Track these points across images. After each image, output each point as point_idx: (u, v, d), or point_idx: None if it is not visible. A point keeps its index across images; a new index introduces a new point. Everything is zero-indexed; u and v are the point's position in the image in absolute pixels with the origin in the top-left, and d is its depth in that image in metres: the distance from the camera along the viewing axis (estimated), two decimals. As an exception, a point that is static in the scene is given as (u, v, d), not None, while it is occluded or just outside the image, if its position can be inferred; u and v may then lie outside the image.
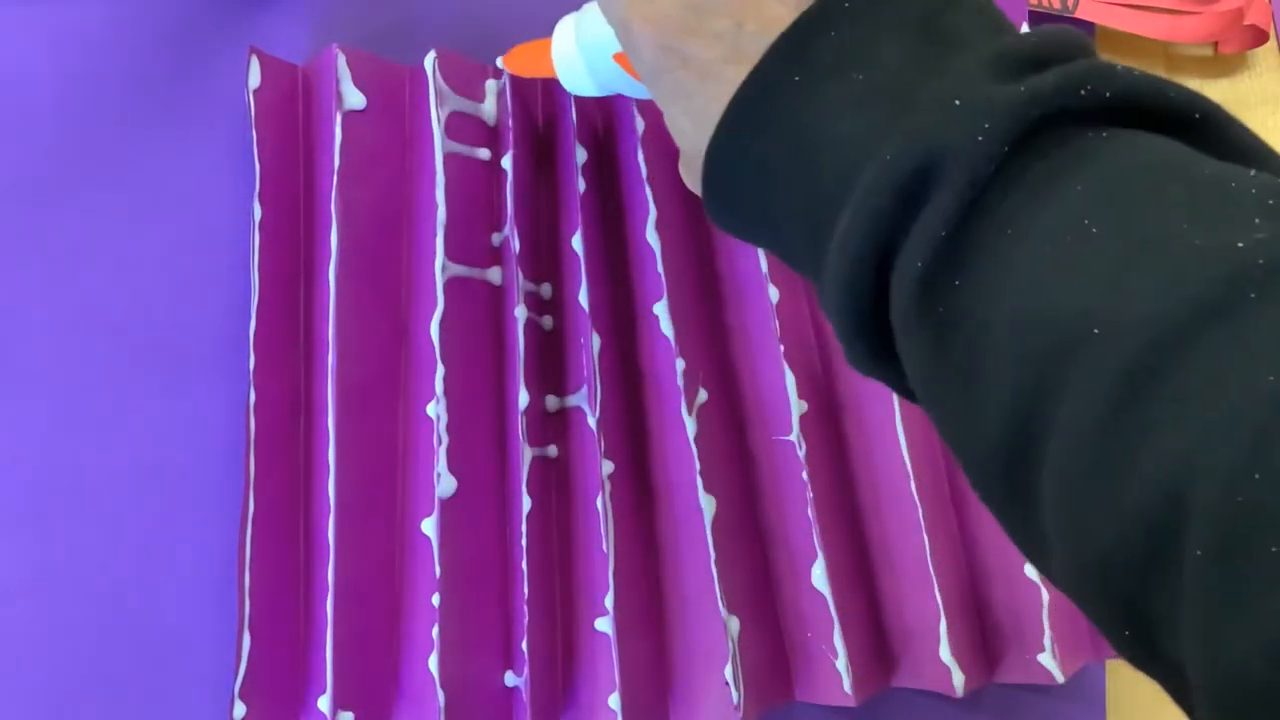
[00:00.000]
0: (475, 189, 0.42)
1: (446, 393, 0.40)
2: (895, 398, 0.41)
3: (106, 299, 0.42)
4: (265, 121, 0.42)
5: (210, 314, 0.42)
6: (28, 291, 0.42)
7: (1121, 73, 0.23)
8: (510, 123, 0.42)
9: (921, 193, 0.23)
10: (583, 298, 0.41)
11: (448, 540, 0.39)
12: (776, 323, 0.42)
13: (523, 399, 0.40)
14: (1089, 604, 0.21)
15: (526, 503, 0.40)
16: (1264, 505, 0.17)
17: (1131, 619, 0.20)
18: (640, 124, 0.42)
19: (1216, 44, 0.56)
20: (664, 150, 0.42)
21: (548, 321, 0.43)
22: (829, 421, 0.43)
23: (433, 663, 0.38)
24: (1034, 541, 0.23)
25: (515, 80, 0.42)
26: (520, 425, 0.40)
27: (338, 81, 0.42)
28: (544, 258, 0.43)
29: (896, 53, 0.24)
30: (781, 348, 0.41)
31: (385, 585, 0.40)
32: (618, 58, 0.34)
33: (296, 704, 0.40)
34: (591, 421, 0.41)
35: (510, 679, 0.40)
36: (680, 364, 0.41)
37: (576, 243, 0.42)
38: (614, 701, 0.39)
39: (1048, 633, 0.41)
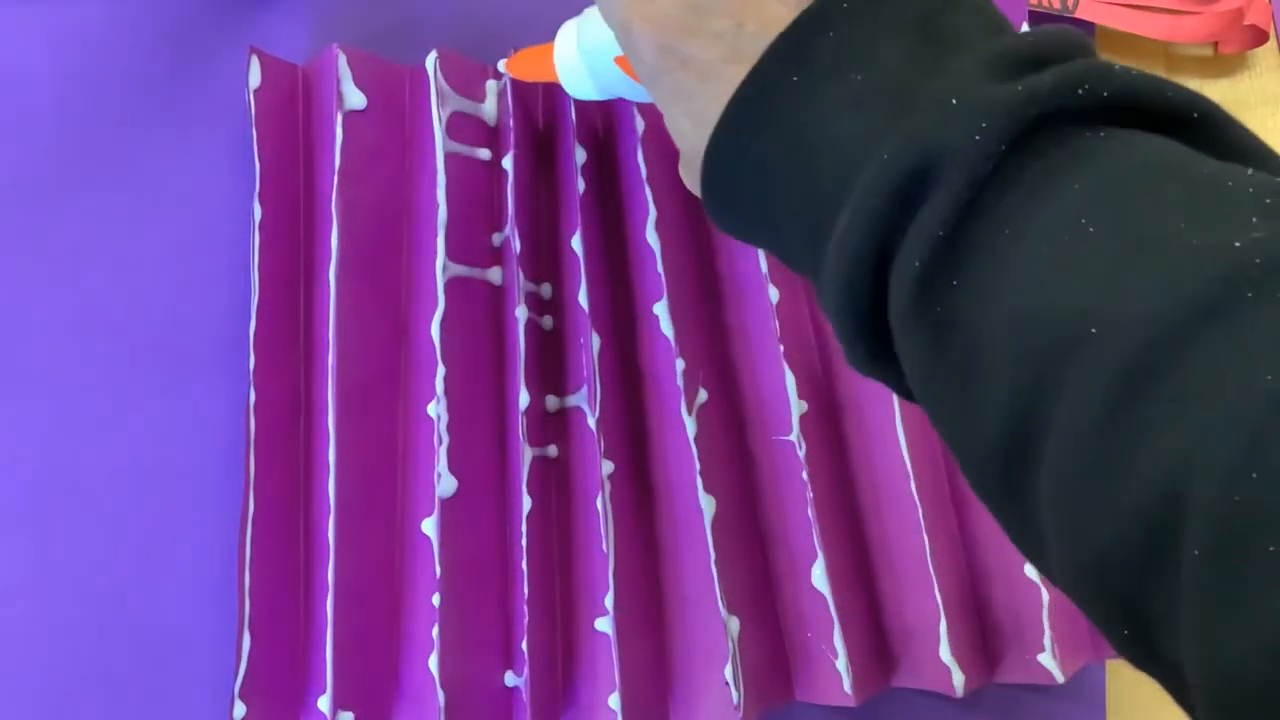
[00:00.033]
0: (476, 189, 0.42)
1: (447, 393, 0.40)
2: (895, 398, 0.41)
3: (106, 299, 0.42)
4: (265, 121, 0.42)
5: (210, 314, 0.42)
6: (28, 291, 0.42)
7: (1119, 72, 0.23)
8: (511, 123, 0.42)
9: (919, 193, 0.23)
10: (583, 298, 0.41)
11: (448, 540, 0.39)
12: (776, 323, 0.42)
13: (523, 399, 0.40)
14: (1087, 603, 0.21)
15: (526, 503, 0.40)
16: (1262, 504, 0.17)
17: (1130, 618, 0.20)
18: (640, 124, 0.42)
19: (1216, 44, 0.56)
20: (664, 150, 0.42)
21: (548, 321, 0.43)
22: (829, 421, 0.43)
23: (433, 663, 0.38)
24: (1032, 541, 0.23)
25: (515, 81, 0.42)
26: (520, 425, 0.40)
27: (338, 81, 0.42)
28: (544, 258, 0.43)
29: (895, 53, 0.24)
30: (781, 348, 0.41)
31: (385, 585, 0.40)
32: (619, 61, 0.34)
33: (296, 704, 0.40)
34: (591, 421, 0.41)
35: (510, 679, 0.40)
36: (680, 364, 0.41)
37: (576, 243, 0.42)
38: (614, 701, 0.39)
39: (1048, 633, 0.41)
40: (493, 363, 0.42)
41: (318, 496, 0.41)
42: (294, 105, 0.44)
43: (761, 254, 0.42)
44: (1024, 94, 0.22)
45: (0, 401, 0.41)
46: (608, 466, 0.40)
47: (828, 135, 0.24)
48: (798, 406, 0.41)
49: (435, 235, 0.41)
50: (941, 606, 0.40)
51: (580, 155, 0.42)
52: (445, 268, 0.41)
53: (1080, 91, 0.22)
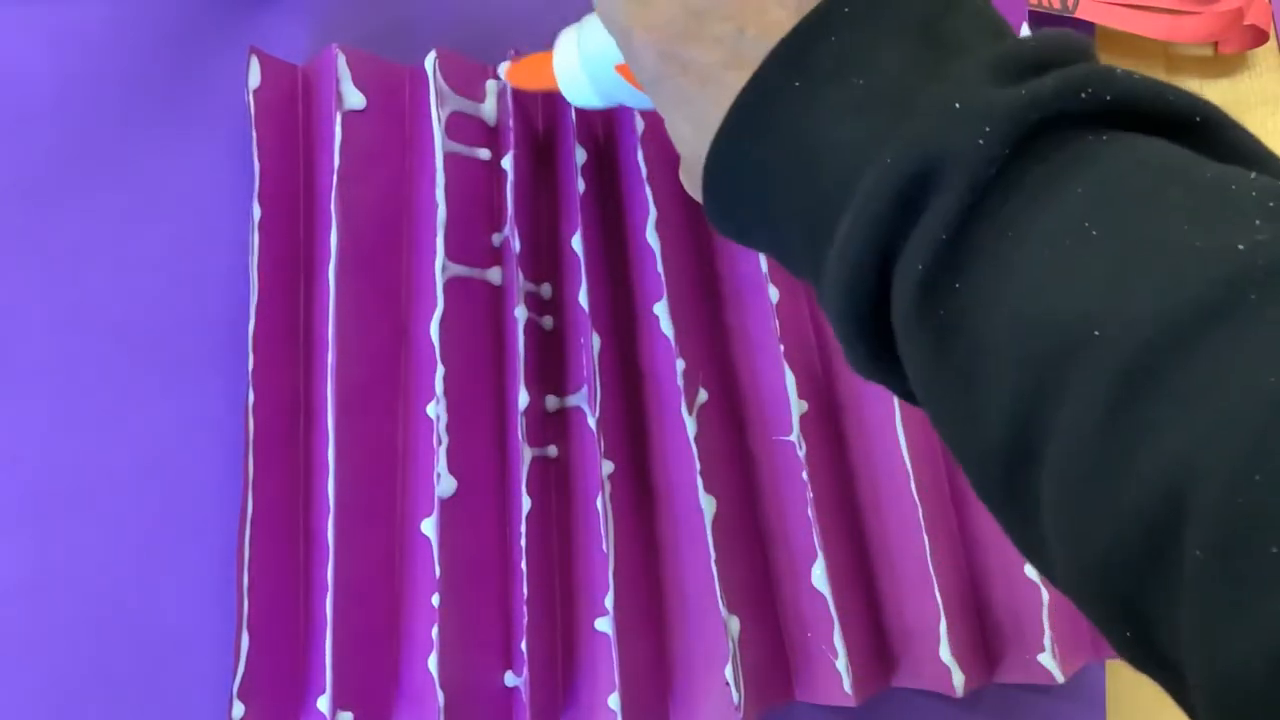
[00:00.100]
0: (475, 189, 0.42)
1: (446, 393, 0.40)
2: (895, 398, 0.41)
3: (106, 299, 0.42)
4: (265, 121, 0.42)
5: (210, 314, 0.42)
6: (28, 291, 0.42)
7: (1121, 76, 0.23)
8: (510, 123, 0.42)
9: (921, 197, 0.23)
10: (583, 298, 0.41)
11: (448, 540, 0.39)
12: (776, 323, 0.42)
13: (523, 399, 0.40)
14: (1089, 605, 0.21)
15: (526, 503, 0.40)
16: (1264, 506, 0.17)
17: (1131, 620, 0.20)
18: (640, 124, 0.42)
19: (1216, 44, 0.56)
20: (663, 151, 0.42)
21: (548, 322, 0.43)
22: (829, 421, 0.43)
23: (432, 663, 0.38)
24: (1034, 543, 0.23)
25: (515, 82, 0.42)
26: (520, 425, 0.40)
27: (338, 81, 0.42)
28: (544, 258, 0.43)
29: (896, 57, 0.24)
30: (781, 348, 0.41)
31: (385, 585, 0.40)
32: (620, 69, 0.34)
33: (296, 704, 0.40)
34: (591, 421, 0.41)
35: (510, 679, 0.40)
36: (680, 364, 0.41)
37: (576, 243, 0.42)
38: (614, 701, 0.39)
39: (1048, 633, 0.41)
40: (492, 363, 0.42)
41: (317, 496, 0.41)
42: (294, 105, 0.44)
43: (762, 255, 0.42)
44: (1026, 98, 0.22)
45: (0, 401, 0.41)
46: (608, 466, 0.40)
47: (829, 140, 0.24)
48: (798, 406, 0.41)
49: (435, 235, 0.41)
50: (941, 606, 0.40)
51: (580, 155, 0.42)
52: (445, 268, 0.41)
53: (1082, 95, 0.22)
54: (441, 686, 0.38)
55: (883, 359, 0.25)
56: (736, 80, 0.26)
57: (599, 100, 0.36)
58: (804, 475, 0.40)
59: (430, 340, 0.40)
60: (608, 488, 0.40)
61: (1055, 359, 0.21)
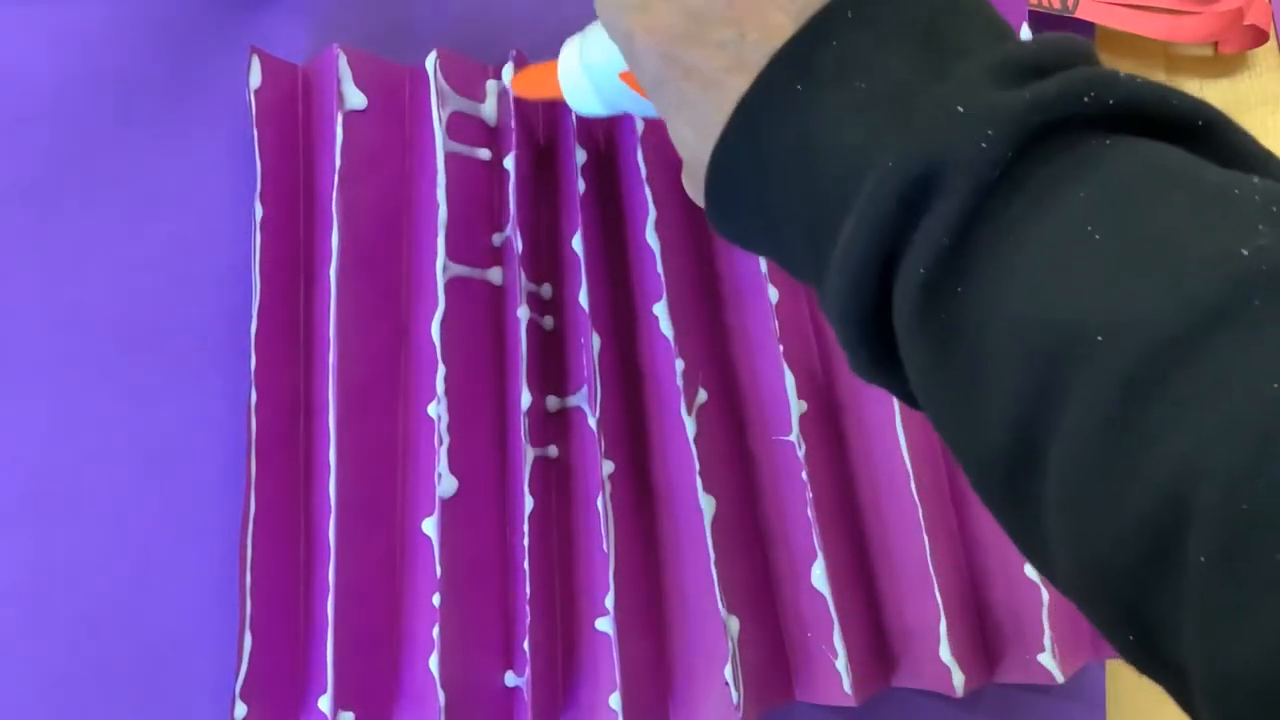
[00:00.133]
0: (476, 189, 0.42)
1: (447, 393, 0.40)
2: (896, 398, 0.41)
3: (106, 299, 0.42)
4: (266, 121, 0.42)
5: (211, 314, 0.42)
6: (27, 291, 0.42)
7: (1124, 80, 0.23)
8: (511, 123, 0.42)
9: (924, 200, 0.23)
10: (583, 298, 0.41)
11: (448, 540, 0.39)
12: (776, 323, 0.42)
13: (524, 399, 0.40)
14: (1092, 608, 0.21)
15: (528, 503, 0.40)
16: (1267, 510, 0.17)
17: (1134, 623, 0.20)
18: (640, 125, 0.42)
19: (1216, 44, 0.56)
20: (663, 151, 0.42)
21: (548, 322, 0.43)
22: (829, 421, 0.43)
23: (433, 663, 0.38)
24: (1037, 545, 0.23)
25: (515, 82, 0.42)
26: (521, 425, 0.40)
27: (338, 81, 0.42)
28: (544, 258, 0.43)
29: (899, 61, 0.24)
30: (781, 348, 0.41)
31: (386, 585, 0.40)
32: (624, 76, 0.34)
33: (297, 704, 0.40)
34: (592, 421, 0.41)
35: (511, 679, 0.40)
36: (680, 364, 0.41)
37: (577, 243, 0.42)
38: (614, 701, 0.39)
39: (1048, 633, 0.41)
40: (493, 363, 0.42)
41: (318, 496, 0.41)
42: (294, 105, 0.44)
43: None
44: (1030, 101, 0.22)
45: (0, 401, 0.41)
46: (608, 466, 0.40)
47: (832, 143, 0.24)
48: (798, 406, 0.41)
49: (435, 235, 0.41)
50: (941, 606, 0.40)
51: (580, 155, 0.42)
52: (446, 268, 0.41)
53: (1086, 99, 0.22)
54: (442, 686, 0.38)
55: (884, 362, 0.25)
56: (739, 84, 0.26)
57: (603, 108, 0.36)
58: (804, 475, 0.40)
59: (431, 340, 0.40)
60: (608, 488, 0.40)
61: (1058, 362, 0.21)
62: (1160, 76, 0.55)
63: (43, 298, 0.42)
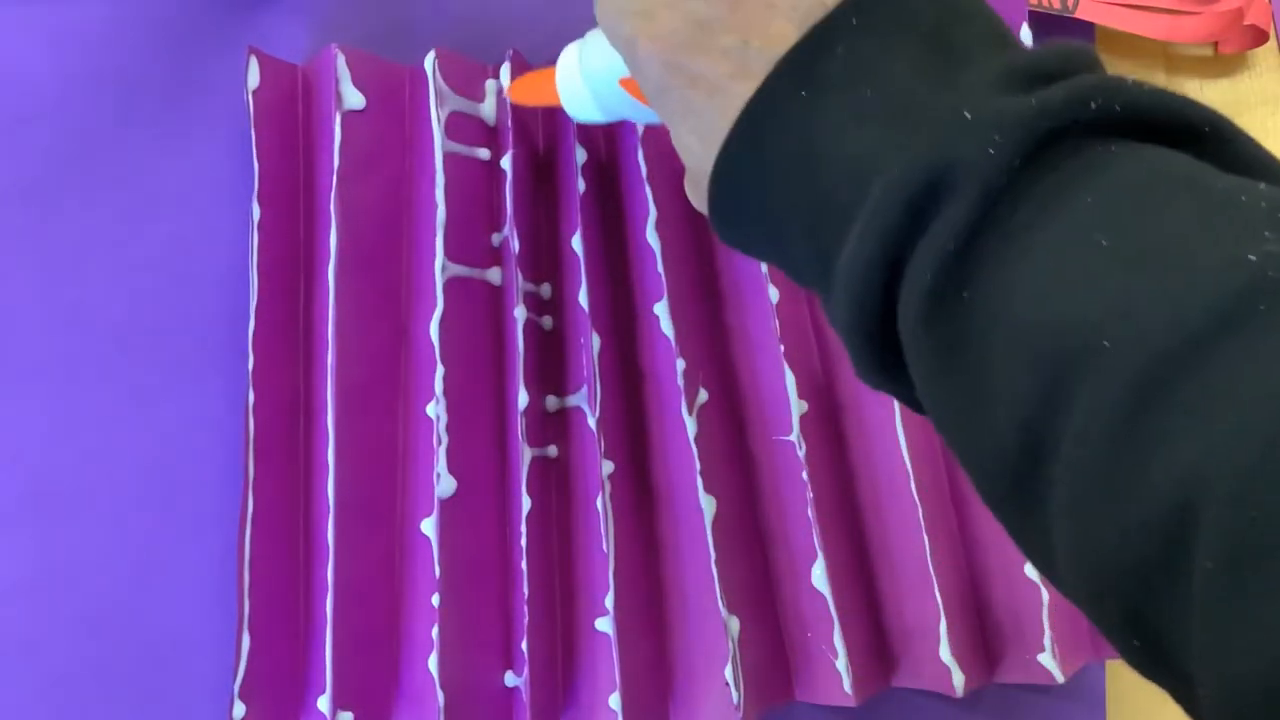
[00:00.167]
0: (475, 189, 0.42)
1: (446, 393, 0.40)
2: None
3: (106, 299, 0.42)
4: (265, 121, 0.42)
5: (210, 314, 0.42)
6: (27, 291, 0.42)
7: (1130, 86, 0.23)
8: (510, 123, 0.42)
9: (931, 207, 0.23)
10: (583, 298, 0.41)
11: (447, 540, 0.39)
12: (776, 323, 0.42)
13: (523, 399, 0.40)
14: (1098, 613, 0.21)
15: (526, 503, 0.40)
16: (1275, 516, 0.17)
17: (1141, 629, 0.20)
18: (640, 126, 0.42)
19: (1216, 44, 0.56)
20: (663, 151, 0.42)
21: (548, 322, 0.43)
22: (829, 421, 0.43)
23: (432, 663, 0.38)
24: (1043, 551, 0.22)
25: (515, 80, 0.42)
26: (520, 425, 0.40)
27: (337, 81, 0.42)
28: (544, 258, 0.43)
29: (904, 67, 0.24)
30: (781, 348, 0.41)
31: (385, 585, 0.40)
32: (624, 83, 0.34)
33: (296, 704, 0.40)
34: (591, 421, 0.41)
35: (510, 679, 0.40)
36: (680, 364, 0.41)
37: (576, 243, 0.42)
38: (614, 701, 0.39)
39: (1048, 633, 0.41)
40: (492, 363, 0.42)
41: (317, 496, 0.41)
42: (293, 105, 0.44)
43: (763, 258, 0.42)
44: (1037, 108, 0.22)
45: (0, 401, 0.41)
46: (608, 466, 0.40)
47: (837, 150, 0.24)
48: (798, 406, 0.41)
49: (434, 235, 0.41)
50: (941, 606, 0.40)
51: (580, 155, 0.42)
52: (444, 268, 0.41)
53: (1092, 105, 0.22)
54: (441, 686, 0.38)
55: (890, 368, 0.25)
56: (744, 91, 0.26)
57: (602, 115, 0.36)
58: (804, 475, 0.40)
59: (430, 340, 0.40)
60: (608, 488, 0.40)
61: (1065, 368, 0.20)
62: (1160, 76, 0.55)
63: (43, 298, 0.42)
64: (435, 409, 0.40)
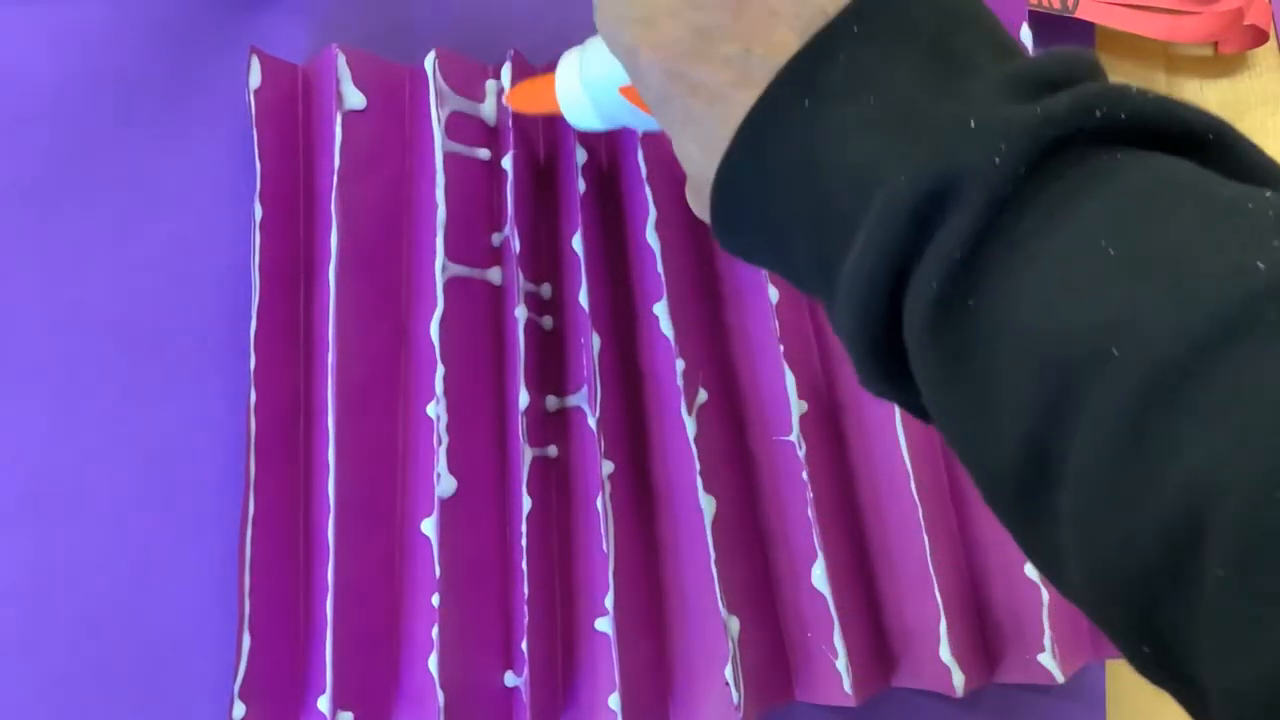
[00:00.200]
0: (475, 189, 0.42)
1: (446, 393, 0.40)
2: (896, 399, 0.41)
3: (106, 299, 0.42)
4: (266, 121, 0.42)
5: (210, 314, 0.42)
6: (27, 291, 0.42)
7: (1135, 94, 0.23)
8: (510, 123, 0.42)
9: (935, 215, 0.23)
10: (583, 298, 0.41)
11: (448, 540, 0.39)
12: (776, 323, 0.42)
13: (523, 399, 0.40)
14: (1105, 620, 0.21)
15: (526, 503, 0.40)
16: None
17: (1150, 635, 0.20)
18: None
19: (1216, 44, 0.56)
20: (663, 152, 0.42)
21: (548, 322, 0.43)
22: (829, 422, 0.43)
23: (432, 663, 0.38)
24: (1050, 558, 0.22)
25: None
26: (520, 425, 0.40)
27: (338, 81, 0.42)
28: (544, 258, 0.43)
29: (907, 76, 0.24)
30: (781, 348, 0.41)
31: (385, 585, 0.40)
32: (624, 91, 0.34)
33: (296, 704, 0.40)
34: (591, 421, 0.41)
35: (510, 679, 0.40)
36: (680, 364, 0.41)
37: (576, 243, 0.42)
38: (614, 702, 0.39)
39: (1048, 633, 0.41)
40: (492, 363, 0.42)
41: (318, 497, 0.41)
42: (294, 105, 0.44)
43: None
44: (1042, 116, 0.22)
45: (0, 401, 0.41)
46: (608, 466, 0.40)
47: (839, 158, 0.24)
48: (798, 406, 0.41)
49: (435, 235, 0.41)
50: (941, 606, 0.40)
51: (581, 155, 0.42)
52: (445, 268, 0.41)
53: (1097, 114, 0.22)
54: (441, 686, 0.38)
55: (895, 377, 0.25)
56: (746, 99, 0.26)
57: (601, 123, 0.36)
58: (804, 475, 0.40)
59: (430, 340, 0.40)
60: (608, 488, 0.40)
61: (1071, 375, 0.20)
62: (1160, 76, 0.55)
63: (43, 298, 0.42)
64: (435, 409, 0.40)
